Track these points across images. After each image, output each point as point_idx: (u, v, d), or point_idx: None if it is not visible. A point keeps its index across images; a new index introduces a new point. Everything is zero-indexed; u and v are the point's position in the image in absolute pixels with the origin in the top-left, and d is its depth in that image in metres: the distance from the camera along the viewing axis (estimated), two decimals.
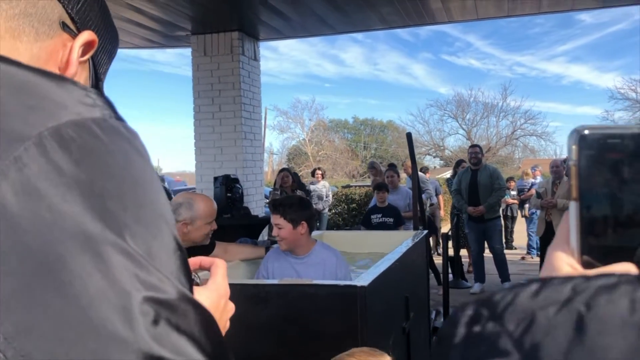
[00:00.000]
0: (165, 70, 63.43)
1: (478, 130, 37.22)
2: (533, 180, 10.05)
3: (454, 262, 7.06)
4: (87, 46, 0.65)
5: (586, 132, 0.42)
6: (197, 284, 0.74)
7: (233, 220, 5.41)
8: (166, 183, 12.64)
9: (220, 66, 6.58)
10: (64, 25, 0.63)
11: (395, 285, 2.92)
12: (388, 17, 6.19)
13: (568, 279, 0.36)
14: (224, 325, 0.75)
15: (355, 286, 2.14)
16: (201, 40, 6.61)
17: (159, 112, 72.76)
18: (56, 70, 0.62)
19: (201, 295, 0.70)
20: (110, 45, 0.72)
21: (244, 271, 3.03)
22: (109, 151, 0.46)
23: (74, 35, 0.64)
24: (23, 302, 0.38)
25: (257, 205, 6.81)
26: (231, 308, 0.77)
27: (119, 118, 0.50)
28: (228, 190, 5.65)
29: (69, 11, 0.64)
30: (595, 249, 0.42)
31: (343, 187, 17.70)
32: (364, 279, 2.25)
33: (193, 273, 0.76)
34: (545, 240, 6.45)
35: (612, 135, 0.42)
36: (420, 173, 8.79)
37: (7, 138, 0.41)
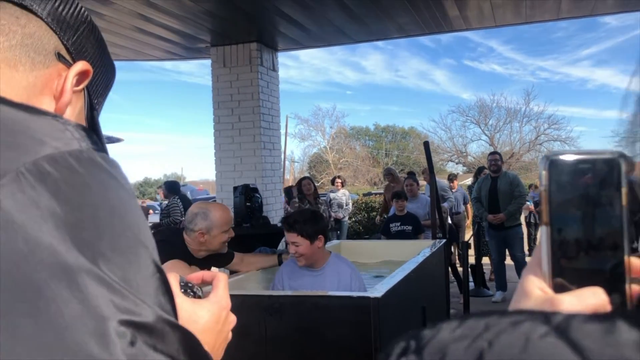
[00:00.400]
0: (188, 80, 64.25)
1: (501, 136, 36.82)
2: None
3: (475, 270, 7.00)
4: (81, 76, 0.68)
5: (556, 157, 0.44)
6: (200, 297, 0.77)
7: (252, 230, 5.45)
8: (188, 192, 12.77)
9: (240, 77, 6.66)
10: (59, 56, 0.66)
11: (412, 295, 2.92)
12: (406, 26, 6.21)
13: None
14: (225, 336, 0.77)
15: (368, 297, 2.16)
16: (220, 52, 6.70)
17: (183, 121, 73.68)
18: (51, 99, 0.65)
19: (202, 307, 0.73)
20: (106, 76, 0.75)
21: (259, 280, 3.06)
22: (85, 182, 0.48)
23: (69, 65, 0.67)
24: None
25: (276, 215, 6.85)
26: (232, 320, 0.79)
27: (99, 149, 0.52)
28: (247, 200, 5.69)
29: (65, 42, 0.67)
30: (567, 272, 0.43)
31: (364, 194, 17.69)
32: (377, 290, 2.26)
33: (196, 287, 0.78)
34: None
35: (584, 160, 0.43)
36: (442, 180, 8.75)
37: None
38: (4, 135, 0.47)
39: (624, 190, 0.42)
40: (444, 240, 4.22)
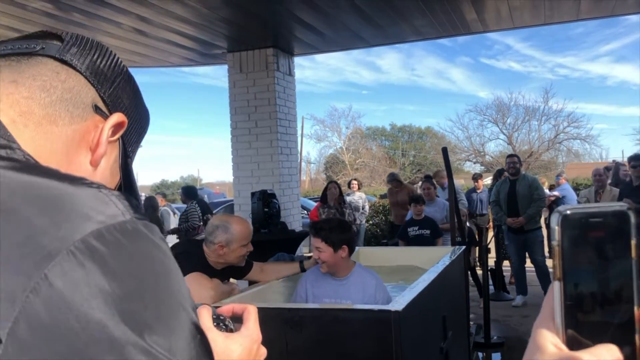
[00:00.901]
0: (205, 82, 64.66)
1: (519, 135, 36.48)
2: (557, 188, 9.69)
3: (495, 274, 6.94)
4: (117, 127, 0.69)
5: (568, 212, 0.44)
6: (232, 330, 0.79)
7: (270, 236, 5.47)
8: (205, 196, 12.84)
9: (256, 82, 6.69)
10: (96, 108, 0.68)
11: (432, 306, 2.91)
12: (422, 29, 6.18)
13: None
14: None
15: (389, 311, 2.15)
16: (237, 58, 6.74)
17: (199, 123, 74.19)
18: (87, 151, 0.67)
19: (235, 342, 0.75)
20: (140, 124, 0.77)
21: (280, 290, 3.07)
22: (131, 255, 0.50)
23: (105, 117, 0.69)
24: None
25: (294, 220, 6.87)
26: (263, 352, 0.81)
27: (141, 216, 0.54)
28: (265, 206, 5.71)
29: (101, 94, 0.69)
30: (580, 327, 0.43)
31: (381, 196, 17.61)
32: (398, 303, 2.25)
33: (228, 319, 0.80)
34: None
35: (594, 214, 0.44)
36: (456, 182, 8.66)
37: (38, 256, 0.45)
38: (53, 213, 0.48)
39: (633, 243, 0.43)
40: (464, 247, 4.19)
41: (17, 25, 5.33)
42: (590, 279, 0.43)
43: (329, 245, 2.64)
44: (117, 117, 0.69)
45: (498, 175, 8.03)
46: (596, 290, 0.43)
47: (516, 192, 6.38)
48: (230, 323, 0.80)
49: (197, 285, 2.43)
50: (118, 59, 0.74)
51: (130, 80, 0.75)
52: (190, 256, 2.61)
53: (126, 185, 0.74)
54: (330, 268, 2.69)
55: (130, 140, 0.74)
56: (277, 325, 2.26)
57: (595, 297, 0.43)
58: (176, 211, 8.84)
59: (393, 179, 8.36)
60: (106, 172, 0.70)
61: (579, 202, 6.45)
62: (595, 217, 0.44)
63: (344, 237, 2.68)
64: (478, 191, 8.81)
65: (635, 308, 0.43)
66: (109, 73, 0.71)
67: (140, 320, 0.47)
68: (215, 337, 0.74)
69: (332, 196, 6.94)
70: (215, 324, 0.78)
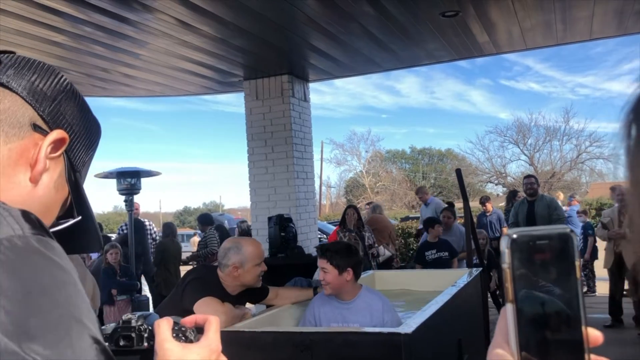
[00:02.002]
0: (225, 110, 65.56)
1: (541, 155, 36.10)
2: (568, 209, 9.47)
3: None
4: (57, 143, 0.71)
5: (515, 235, 0.46)
6: (192, 341, 0.80)
7: (287, 260, 5.49)
8: (226, 222, 12.94)
9: (272, 109, 6.79)
10: (35, 126, 0.70)
11: (446, 328, 2.88)
12: (435, 52, 6.23)
13: None
14: None
15: (399, 334, 2.14)
16: (253, 85, 6.86)
17: (220, 149, 75.06)
18: (27, 168, 0.69)
19: (192, 352, 0.76)
20: (87, 139, 0.78)
21: (292, 314, 3.07)
22: (16, 268, 0.52)
23: (45, 134, 0.71)
24: None
25: (311, 244, 6.87)
26: None
27: (35, 232, 0.56)
28: (282, 230, 5.74)
29: (40, 113, 0.71)
30: (532, 346, 0.45)
31: (402, 219, 17.52)
32: (409, 326, 2.25)
33: (189, 330, 0.81)
34: (615, 273, 6.16)
35: (540, 236, 0.45)
36: (438, 200, 8.60)
37: None
38: None
39: (577, 264, 0.45)
40: (480, 269, 4.15)
41: (46, 60, 5.52)
42: (540, 300, 0.45)
43: (334, 267, 2.66)
44: (56, 133, 0.71)
45: (512, 196, 7.95)
46: (546, 310, 0.44)
47: (535, 213, 6.31)
48: (191, 334, 0.80)
49: (208, 308, 2.45)
50: (61, 77, 0.75)
51: (74, 97, 0.76)
52: (205, 282, 2.64)
53: (75, 198, 0.75)
54: (334, 290, 2.70)
55: (77, 154, 0.75)
56: (287, 350, 2.27)
57: (546, 318, 0.44)
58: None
59: (378, 208, 8.30)
60: (49, 187, 0.71)
61: (602, 222, 6.33)
62: (541, 239, 0.45)
63: (350, 260, 2.70)
64: (487, 214, 8.71)
65: (583, 327, 0.44)
66: (48, 92, 0.72)
67: (21, 330, 0.48)
68: (172, 348, 0.75)
69: (350, 220, 6.95)
70: (174, 335, 0.78)
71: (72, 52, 5.35)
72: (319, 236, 7.87)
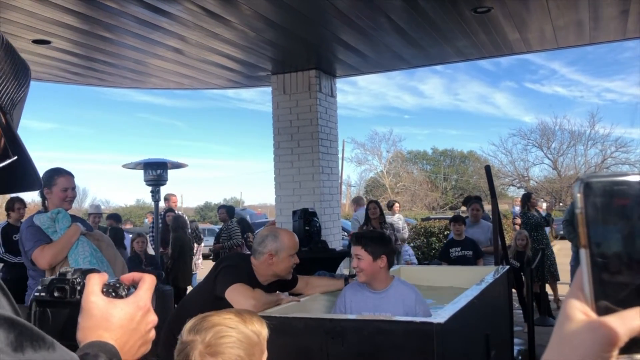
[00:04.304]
0: (249, 107, 65.85)
1: (565, 160, 35.57)
2: None
3: (540, 298, 6.74)
4: None
5: (589, 180, 0.45)
6: (121, 297, 0.80)
7: (311, 254, 5.49)
8: (248, 216, 13.00)
9: (299, 103, 6.80)
10: None
11: (475, 322, 2.86)
12: (464, 49, 6.18)
13: None
14: (141, 335, 0.80)
15: (431, 323, 2.13)
16: (280, 80, 6.88)
17: (243, 147, 75.46)
18: None
19: (116, 307, 0.77)
20: (15, 79, 0.76)
21: (322, 304, 3.07)
22: None
23: None
24: None
25: (334, 239, 6.88)
26: (151, 320, 0.82)
27: None
28: (306, 224, 5.75)
29: None
30: (608, 293, 0.43)
31: (422, 219, 17.42)
32: (441, 316, 2.23)
33: (122, 287, 0.82)
34: None
35: (619, 182, 0.44)
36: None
37: None
38: None
39: None
40: (507, 267, 4.11)
41: (81, 51, 5.61)
42: (617, 244, 0.43)
43: (368, 253, 2.67)
44: None
45: (526, 199, 7.83)
46: (622, 254, 0.43)
47: (577, 225, 6.18)
48: (123, 291, 0.81)
49: (239, 295, 2.46)
50: None
51: None
52: (237, 269, 2.65)
53: (9, 139, 0.74)
54: (367, 277, 2.70)
55: (5, 96, 0.74)
56: (318, 336, 2.27)
57: (622, 261, 0.43)
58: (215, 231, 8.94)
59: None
60: None
61: None
62: (620, 185, 0.44)
63: (384, 248, 2.71)
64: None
65: None
66: None
67: None
68: (97, 301, 0.77)
69: (373, 215, 6.92)
70: (104, 290, 0.79)
71: (103, 41, 5.42)
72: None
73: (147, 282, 0.83)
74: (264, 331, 1.45)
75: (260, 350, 1.42)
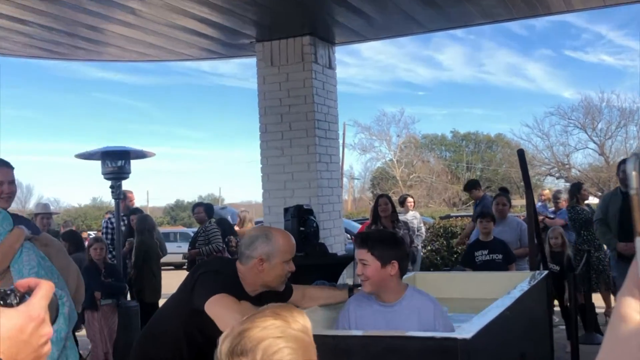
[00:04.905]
0: (228, 84, 65.77)
1: (613, 143, 35.68)
2: None
3: (585, 311, 6.78)
4: None
5: None
6: (12, 306, 0.84)
7: (307, 260, 5.50)
8: (229, 216, 12.99)
9: (290, 77, 6.80)
10: None
11: (508, 339, 2.87)
12: (491, 9, 6.18)
13: None
14: (34, 349, 0.84)
15: (455, 339, 2.14)
16: (267, 48, 6.87)
17: (222, 133, 75.35)
18: None
19: (4, 316, 0.81)
20: None
21: (322, 319, 3.09)
22: None
23: None
24: None
25: (335, 242, 6.89)
26: (46, 333, 0.86)
27: None
28: (301, 224, 5.75)
29: None
30: None
31: (441, 217, 17.48)
32: (466, 330, 2.25)
33: (14, 295, 0.85)
34: None
35: None
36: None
37: None
38: None
39: None
40: (546, 272, 4.13)
41: (19, 15, 5.59)
42: None
43: (376, 258, 2.66)
44: None
45: (576, 190, 7.77)
46: None
47: (632, 209, 6.17)
48: (15, 299, 0.85)
49: (221, 308, 2.47)
50: None
51: None
52: (218, 276, 2.65)
53: None
54: (375, 287, 2.70)
55: None
56: (319, 356, 2.28)
57: None
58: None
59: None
60: None
61: None
62: None
63: (395, 252, 2.70)
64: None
65: None
66: None
67: None
68: None
69: (384, 213, 6.91)
70: None
71: (61, 5, 5.39)
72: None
73: (43, 289, 0.86)
74: (308, 324, 1.50)
75: (313, 348, 1.49)
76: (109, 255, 7.32)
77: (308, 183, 6.74)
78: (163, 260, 8.02)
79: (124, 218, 7.81)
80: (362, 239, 2.76)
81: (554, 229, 7.11)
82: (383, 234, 2.86)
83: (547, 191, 10.76)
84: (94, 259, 6.29)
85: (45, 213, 7.39)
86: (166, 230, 22.36)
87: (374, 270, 2.66)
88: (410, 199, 9.84)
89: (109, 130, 61.91)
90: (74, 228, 10.85)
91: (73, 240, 7.33)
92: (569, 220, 7.64)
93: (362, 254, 2.69)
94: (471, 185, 8.96)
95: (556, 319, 5.91)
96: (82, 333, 6.49)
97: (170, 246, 8.77)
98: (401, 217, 9.39)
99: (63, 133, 71.11)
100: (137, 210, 8.20)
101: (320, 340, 2.33)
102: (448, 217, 17.59)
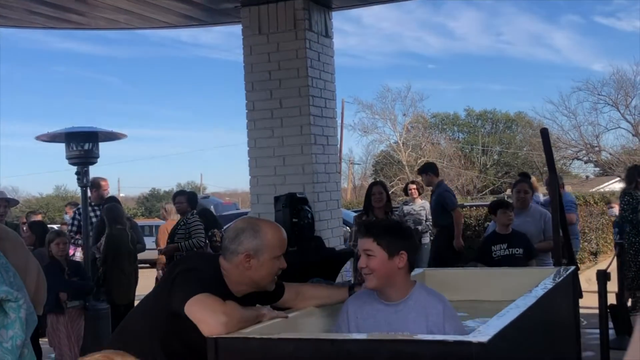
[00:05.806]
0: (211, 56, 65.64)
1: None
2: None
3: (617, 312, 6.82)
4: None
5: None
6: None
7: (301, 255, 5.51)
8: (212, 206, 13.03)
9: (280, 47, 6.79)
10: None
11: (529, 343, 2.89)
12: None
13: None
14: None
15: (469, 343, 2.15)
16: (254, 14, 6.84)
17: (203, 110, 75.28)
18: None
19: None
20: None
21: (318, 320, 3.10)
22: None
23: None
24: None
25: (332, 235, 6.91)
26: None
27: None
28: (294, 215, 5.75)
29: None
30: None
31: None
32: (482, 334, 2.26)
33: None
34: None
35: None
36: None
37: None
38: None
39: None
40: (572, 268, 4.15)
41: None
42: None
43: (383, 248, 2.67)
44: None
45: (636, 173, 7.56)
46: None
47: None
48: None
49: (203, 309, 2.47)
50: None
51: None
52: (199, 274, 2.65)
53: None
54: (380, 281, 2.71)
55: None
56: None
57: None
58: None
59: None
60: None
61: None
62: None
63: (404, 242, 2.72)
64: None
65: None
66: None
67: None
68: None
69: (377, 203, 6.94)
70: None
71: None
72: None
73: None
74: None
75: None
76: (78, 253, 7.33)
77: (302, 168, 6.74)
78: (139, 257, 8.01)
79: (96, 208, 7.81)
80: (367, 227, 2.77)
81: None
82: (389, 223, 2.90)
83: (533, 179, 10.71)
84: (55, 256, 6.28)
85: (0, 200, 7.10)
86: (141, 223, 22.34)
87: (379, 262, 2.67)
88: (412, 186, 9.66)
89: (74, 110, 61.85)
90: (39, 218, 10.50)
91: (41, 232, 7.30)
92: (622, 205, 7.44)
93: (366, 243, 2.70)
94: (427, 168, 8.87)
95: (583, 321, 5.93)
96: (45, 339, 6.50)
97: (145, 241, 8.71)
98: (408, 208, 9.43)
99: (20, 113, 70.92)
100: (112, 199, 8.17)
101: (315, 346, 2.35)
102: (462, 206, 17.61)
